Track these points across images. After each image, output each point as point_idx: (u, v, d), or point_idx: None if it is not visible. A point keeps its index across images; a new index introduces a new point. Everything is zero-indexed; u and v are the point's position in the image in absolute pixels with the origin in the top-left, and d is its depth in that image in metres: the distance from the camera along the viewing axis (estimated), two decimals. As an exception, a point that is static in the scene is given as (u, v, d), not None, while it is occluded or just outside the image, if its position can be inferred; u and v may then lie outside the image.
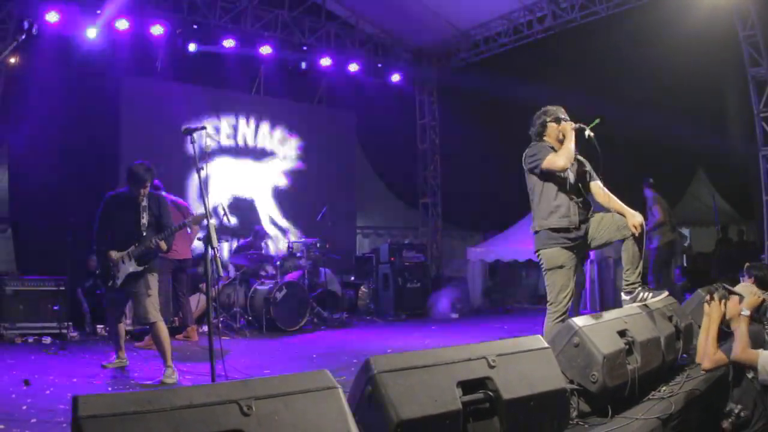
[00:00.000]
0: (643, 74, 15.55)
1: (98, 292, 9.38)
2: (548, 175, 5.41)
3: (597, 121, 5.49)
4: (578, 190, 5.48)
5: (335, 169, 15.63)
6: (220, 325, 9.83)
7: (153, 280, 6.82)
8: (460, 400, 3.33)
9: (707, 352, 4.50)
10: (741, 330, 4.24)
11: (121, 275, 6.69)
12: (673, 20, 12.20)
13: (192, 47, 12.86)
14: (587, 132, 5.43)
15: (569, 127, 5.45)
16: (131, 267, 6.67)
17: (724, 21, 11.51)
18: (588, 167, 5.61)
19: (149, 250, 6.66)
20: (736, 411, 4.29)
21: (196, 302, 10.45)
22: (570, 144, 5.36)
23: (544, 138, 5.58)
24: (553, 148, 5.47)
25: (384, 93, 16.11)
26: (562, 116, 5.56)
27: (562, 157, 5.31)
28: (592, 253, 11.58)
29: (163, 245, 6.72)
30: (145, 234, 6.69)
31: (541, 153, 5.40)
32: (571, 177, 5.42)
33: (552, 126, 5.55)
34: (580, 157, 5.58)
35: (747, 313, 4.26)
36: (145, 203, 6.77)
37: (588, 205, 5.55)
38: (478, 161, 16.79)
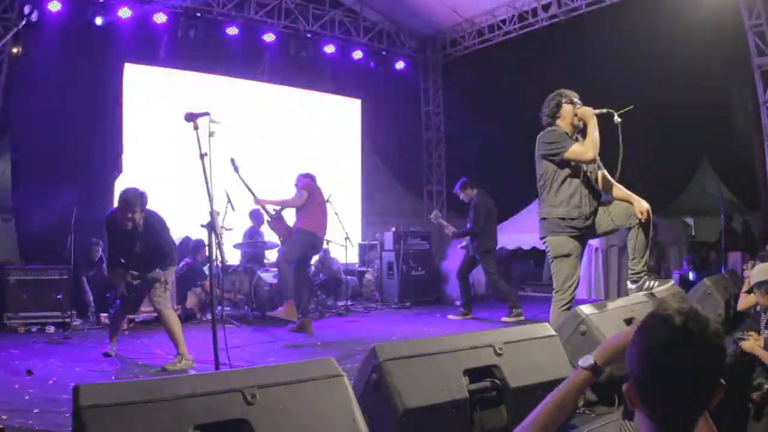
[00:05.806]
0: (649, 63, 15.47)
1: (108, 295, 9.43)
2: (565, 164, 5.31)
3: (630, 107, 5.30)
4: (589, 180, 5.40)
5: (339, 156, 15.57)
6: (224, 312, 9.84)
7: (170, 274, 6.89)
8: (467, 388, 3.30)
9: None
10: None
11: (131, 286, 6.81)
12: (679, 9, 12.11)
13: (195, 34, 12.81)
14: (616, 118, 5.24)
15: (590, 113, 5.32)
16: (135, 282, 6.78)
17: (731, 10, 11.43)
18: (597, 157, 5.48)
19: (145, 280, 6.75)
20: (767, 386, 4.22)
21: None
22: (595, 133, 5.22)
23: (557, 120, 5.44)
24: (566, 133, 5.35)
25: (389, 80, 16.16)
26: (577, 100, 5.45)
27: (590, 149, 5.19)
28: (597, 242, 11.57)
29: (158, 275, 6.74)
30: (139, 256, 6.70)
31: (564, 141, 5.27)
32: (585, 166, 5.35)
33: (567, 108, 5.42)
34: None
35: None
36: (140, 228, 6.66)
37: (598, 195, 5.49)
38: (483, 149, 16.76)
